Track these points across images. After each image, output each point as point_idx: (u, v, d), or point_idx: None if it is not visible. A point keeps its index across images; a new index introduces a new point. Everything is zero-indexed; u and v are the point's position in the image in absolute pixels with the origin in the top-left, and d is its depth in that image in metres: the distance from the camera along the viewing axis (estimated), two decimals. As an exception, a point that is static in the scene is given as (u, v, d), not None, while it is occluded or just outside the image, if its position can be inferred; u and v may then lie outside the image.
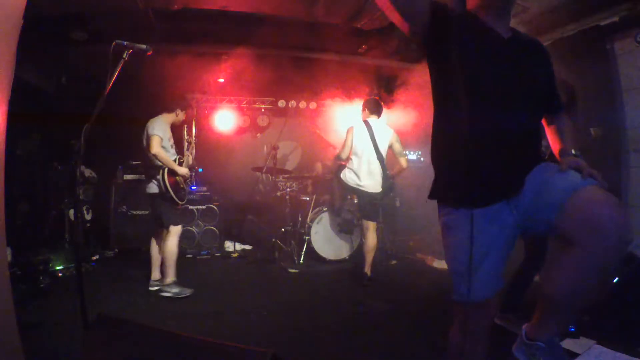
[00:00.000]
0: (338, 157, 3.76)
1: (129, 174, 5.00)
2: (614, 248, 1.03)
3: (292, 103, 6.01)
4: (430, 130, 1.39)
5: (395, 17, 1.22)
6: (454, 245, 1.30)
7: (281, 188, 4.88)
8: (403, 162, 3.72)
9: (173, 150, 3.41)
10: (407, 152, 5.43)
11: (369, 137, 3.59)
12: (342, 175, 3.73)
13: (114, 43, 1.82)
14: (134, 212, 4.83)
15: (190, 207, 4.91)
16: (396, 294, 3.47)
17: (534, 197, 1.20)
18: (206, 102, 5.94)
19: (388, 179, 3.68)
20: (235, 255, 4.85)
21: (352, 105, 5.38)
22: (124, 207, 4.81)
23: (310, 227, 4.48)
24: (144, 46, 1.92)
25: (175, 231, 3.26)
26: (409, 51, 4.72)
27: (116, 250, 4.74)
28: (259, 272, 4.17)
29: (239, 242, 5.16)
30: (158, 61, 4.46)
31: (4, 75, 1.49)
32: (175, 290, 3.22)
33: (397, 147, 3.70)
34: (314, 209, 4.70)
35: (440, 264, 4.25)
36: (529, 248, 2.45)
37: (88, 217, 4.71)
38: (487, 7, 1.26)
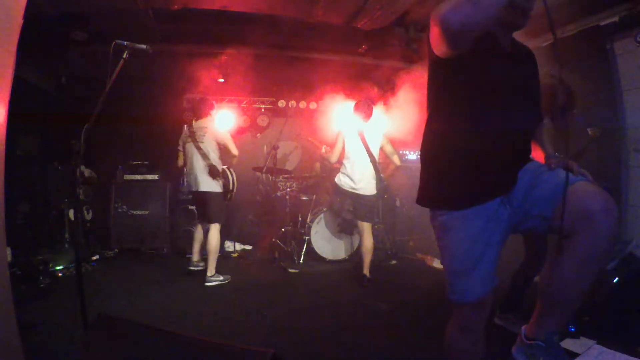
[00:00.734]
0: (328, 160, 3.79)
1: (129, 174, 5.01)
2: (608, 239, 1.08)
3: (292, 103, 6.01)
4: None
5: (436, 43, 1.18)
6: (451, 245, 1.31)
7: (281, 188, 4.88)
8: (396, 160, 3.75)
9: None
10: (407, 152, 5.44)
11: (360, 140, 3.61)
12: (336, 180, 3.75)
13: (114, 43, 1.82)
14: (134, 212, 4.83)
15: (190, 207, 4.92)
16: (396, 294, 3.47)
17: (526, 193, 1.23)
18: (206, 102, 5.93)
19: (382, 181, 3.69)
20: (235, 255, 4.85)
21: (352, 105, 5.38)
22: (124, 207, 4.81)
23: (310, 227, 4.48)
24: (144, 46, 1.92)
25: (219, 227, 3.64)
26: (409, 51, 4.72)
27: (116, 250, 4.73)
28: (259, 272, 4.17)
29: (239, 242, 5.16)
30: (158, 61, 4.47)
31: (4, 75, 1.49)
32: (220, 278, 3.59)
33: (388, 148, 3.72)
34: (314, 209, 4.70)
35: (440, 264, 4.25)
36: (529, 248, 2.45)
37: (88, 217, 4.72)
38: (504, 25, 1.25)
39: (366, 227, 3.69)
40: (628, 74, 3.35)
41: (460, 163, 1.28)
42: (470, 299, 1.28)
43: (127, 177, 4.98)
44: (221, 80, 5.64)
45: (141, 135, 5.26)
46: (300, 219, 4.81)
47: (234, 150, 3.54)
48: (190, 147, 3.66)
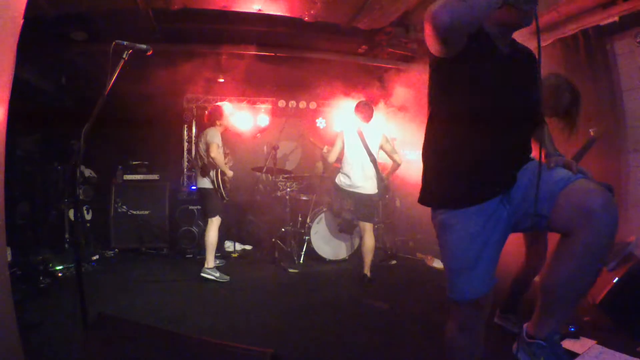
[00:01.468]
0: (327, 160, 3.81)
1: (129, 174, 5.01)
2: (608, 236, 1.08)
3: (292, 103, 6.02)
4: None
5: (430, 41, 1.20)
6: (450, 243, 1.31)
7: (281, 188, 4.88)
8: (397, 159, 3.75)
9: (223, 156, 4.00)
10: (407, 152, 5.44)
11: (360, 140, 3.61)
12: (337, 180, 3.76)
13: (114, 43, 1.81)
14: (134, 212, 4.83)
15: (190, 207, 4.92)
16: (396, 294, 3.47)
17: (525, 192, 1.23)
18: (206, 102, 5.94)
19: (382, 180, 3.70)
20: (235, 255, 4.85)
21: (352, 106, 5.39)
22: (124, 207, 4.81)
23: (310, 227, 4.48)
24: (144, 46, 1.91)
25: (216, 222, 3.80)
26: (409, 51, 4.72)
27: (116, 250, 4.74)
28: (259, 272, 4.17)
29: (239, 242, 5.16)
30: (158, 61, 4.47)
31: (4, 75, 1.49)
32: (217, 274, 3.67)
33: (388, 147, 3.72)
34: (314, 209, 4.70)
35: (440, 264, 4.25)
36: (529, 248, 2.45)
37: (88, 217, 4.71)
38: (504, 26, 1.25)
39: (367, 227, 3.69)
40: (628, 74, 3.34)
41: (459, 162, 1.28)
42: (469, 298, 1.29)
43: (127, 177, 4.99)
44: (221, 80, 5.65)
45: (141, 135, 5.26)
46: (300, 219, 4.81)
47: (212, 153, 3.68)
48: (196, 150, 4.07)
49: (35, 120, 4.40)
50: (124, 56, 1.85)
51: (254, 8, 3.78)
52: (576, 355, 2.02)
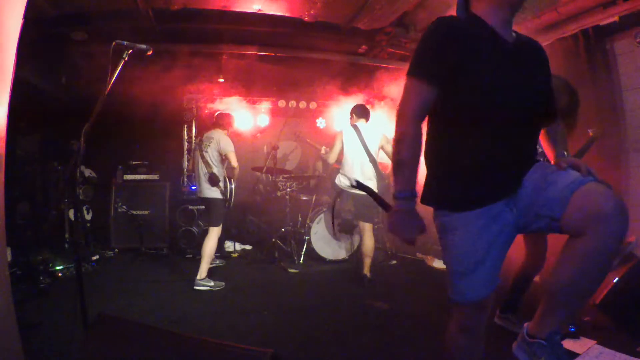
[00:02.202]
0: (327, 161, 3.79)
1: (129, 174, 5.01)
2: (617, 240, 1.07)
3: (292, 103, 6.01)
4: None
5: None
6: (452, 245, 1.30)
7: (281, 188, 4.88)
8: None
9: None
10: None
11: (359, 141, 3.61)
12: (336, 181, 3.75)
13: (114, 43, 1.81)
14: (134, 212, 4.83)
15: (190, 207, 4.92)
16: (396, 294, 3.47)
17: (534, 195, 1.21)
18: (206, 102, 5.94)
19: (383, 180, 3.69)
20: (235, 255, 4.85)
21: (351, 106, 5.39)
22: (124, 207, 4.81)
23: (310, 227, 4.48)
24: (144, 46, 1.91)
25: (217, 231, 3.67)
26: (409, 51, 4.72)
27: (116, 250, 4.74)
28: (259, 272, 4.17)
29: (239, 242, 5.16)
30: (158, 61, 4.47)
31: (4, 75, 1.49)
32: (211, 283, 3.50)
33: (388, 147, 3.70)
34: (314, 209, 4.70)
35: (440, 264, 4.25)
36: (529, 248, 2.45)
37: (88, 217, 4.71)
38: (496, 13, 1.25)
39: (367, 228, 3.69)
40: (628, 74, 3.35)
41: (459, 164, 1.27)
42: (471, 300, 1.28)
43: (127, 177, 4.99)
44: (221, 80, 5.65)
45: (141, 135, 5.25)
46: (300, 219, 4.81)
47: (234, 163, 3.64)
48: (197, 155, 3.85)
49: (35, 120, 4.41)
50: (124, 56, 1.85)
51: (254, 8, 3.78)
52: (576, 355, 2.02)
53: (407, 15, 3.94)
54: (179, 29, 4.26)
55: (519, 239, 2.41)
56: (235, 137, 6.00)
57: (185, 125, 6.11)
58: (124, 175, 4.97)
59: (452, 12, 1.35)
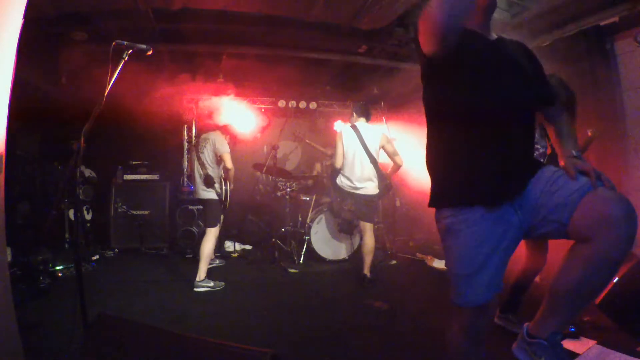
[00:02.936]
0: (334, 166, 3.74)
1: (129, 174, 5.01)
2: (626, 245, 1.07)
3: (292, 103, 6.01)
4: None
5: (425, 40, 1.22)
6: (456, 249, 1.29)
7: (281, 188, 4.88)
8: (398, 160, 3.71)
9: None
10: (407, 152, 5.44)
11: (359, 141, 3.60)
12: (337, 181, 3.74)
13: (114, 43, 1.81)
14: (134, 212, 4.83)
15: (190, 207, 4.92)
16: (396, 294, 3.47)
17: (542, 198, 1.20)
18: (206, 102, 5.93)
19: (384, 179, 3.69)
20: (235, 255, 4.85)
21: (351, 106, 5.40)
22: (124, 207, 4.81)
23: (310, 227, 4.48)
24: (144, 46, 1.91)
25: (215, 232, 3.67)
26: (409, 51, 4.72)
27: (116, 250, 4.74)
28: (259, 272, 4.17)
29: (239, 242, 5.16)
30: (158, 61, 4.47)
31: (4, 75, 1.49)
32: (211, 284, 3.50)
33: (389, 147, 3.69)
34: (314, 209, 4.70)
35: (440, 264, 4.25)
36: (530, 250, 2.45)
37: (88, 217, 4.71)
38: (472, 18, 1.28)
39: (368, 228, 3.68)
40: (628, 74, 3.35)
41: (459, 167, 1.28)
42: (473, 304, 1.27)
43: (127, 177, 4.99)
44: (221, 80, 5.64)
45: (141, 135, 5.25)
46: (300, 219, 4.81)
47: (229, 164, 3.65)
48: (194, 156, 3.86)
49: (35, 120, 4.40)
50: (124, 56, 1.86)
51: (254, 8, 3.78)
52: (576, 355, 2.02)
53: (407, 15, 3.94)
54: (179, 29, 4.25)
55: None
56: (235, 137, 6.02)
57: (185, 126, 6.12)
58: (124, 175, 4.98)
59: None
